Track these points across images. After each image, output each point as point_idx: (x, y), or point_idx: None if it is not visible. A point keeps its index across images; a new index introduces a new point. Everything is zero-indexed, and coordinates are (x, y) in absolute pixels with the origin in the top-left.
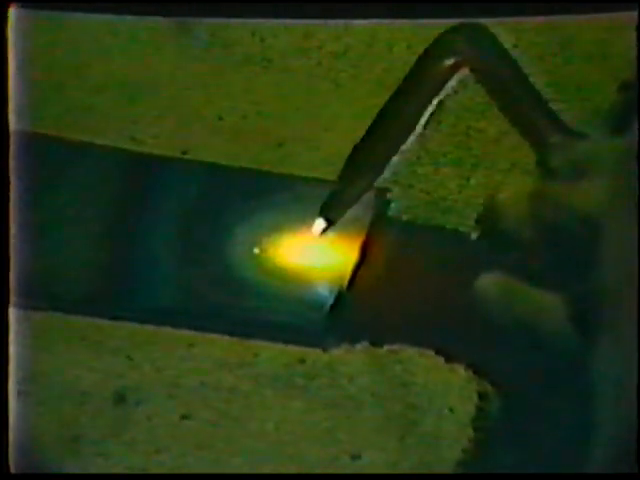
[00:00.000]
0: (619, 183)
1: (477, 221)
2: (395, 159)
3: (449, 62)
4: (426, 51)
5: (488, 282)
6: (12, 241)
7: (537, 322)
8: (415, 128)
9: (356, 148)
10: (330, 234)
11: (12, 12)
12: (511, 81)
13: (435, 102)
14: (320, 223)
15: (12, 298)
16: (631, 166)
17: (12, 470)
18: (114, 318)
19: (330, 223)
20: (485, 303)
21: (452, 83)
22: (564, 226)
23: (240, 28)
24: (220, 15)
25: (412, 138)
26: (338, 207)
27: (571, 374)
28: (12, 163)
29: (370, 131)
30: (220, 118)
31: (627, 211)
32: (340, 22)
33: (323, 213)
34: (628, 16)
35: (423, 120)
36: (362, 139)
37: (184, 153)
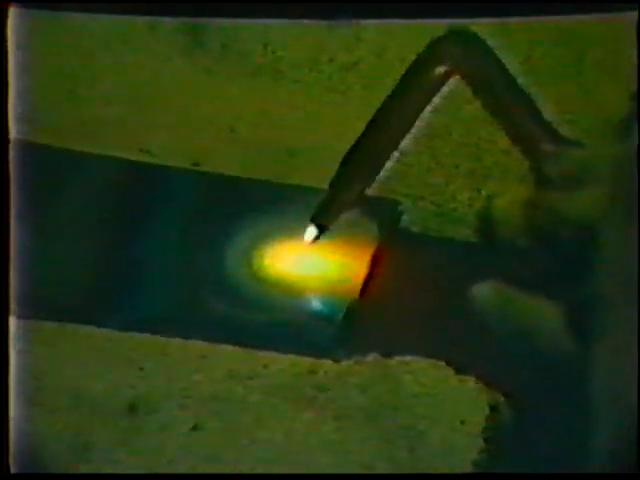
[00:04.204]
0: (615, 191)
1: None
2: (405, 171)
3: (440, 69)
4: (417, 59)
5: (485, 290)
6: (12, 250)
7: (534, 330)
8: (406, 136)
9: (347, 155)
10: (341, 246)
11: (12, 12)
12: (503, 88)
13: (428, 110)
14: (312, 230)
15: (14, 308)
16: (628, 173)
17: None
18: (118, 328)
19: (322, 230)
20: (482, 311)
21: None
22: (560, 234)
23: (251, 40)
24: (230, 16)
25: (422, 149)
26: (329, 214)
27: (569, 382)
28: (13, 172)
29: (361, 138)
30: (231, 129)
31: (624, 218)
32: (350, 33)
33: (314, 220)
34: (628, 16)
35: (415, 128)
36: (353, 146)
37: (195, 164)
